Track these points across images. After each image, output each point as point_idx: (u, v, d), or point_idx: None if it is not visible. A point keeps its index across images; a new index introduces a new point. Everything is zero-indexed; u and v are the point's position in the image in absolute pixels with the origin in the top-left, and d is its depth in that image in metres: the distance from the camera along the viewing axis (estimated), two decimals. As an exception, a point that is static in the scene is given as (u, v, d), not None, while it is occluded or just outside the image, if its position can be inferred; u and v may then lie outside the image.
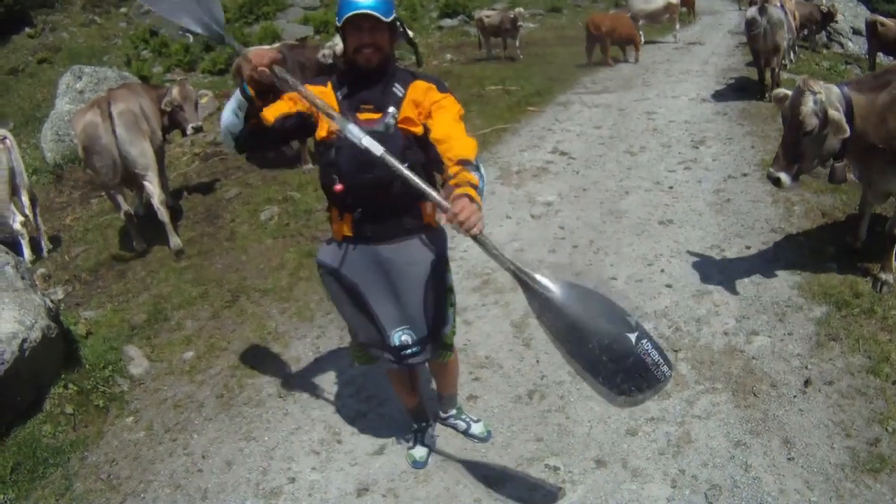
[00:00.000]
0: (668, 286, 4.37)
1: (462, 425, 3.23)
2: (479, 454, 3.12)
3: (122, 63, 16.52)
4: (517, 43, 13.80)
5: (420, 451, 3.10)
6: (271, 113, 2.41)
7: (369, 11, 2.29)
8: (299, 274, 5.03)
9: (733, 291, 4.21)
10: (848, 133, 3.52)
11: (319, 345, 4.14)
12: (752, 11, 8.61)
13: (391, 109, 2.39)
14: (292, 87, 2.29)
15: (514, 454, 3.10)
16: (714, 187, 5.92)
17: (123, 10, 22.51)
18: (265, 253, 5.51)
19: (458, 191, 2.07)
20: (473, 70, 12.56)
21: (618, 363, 2.12)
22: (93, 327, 4.53)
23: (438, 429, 3.27)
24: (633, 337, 2.11)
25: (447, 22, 19.16)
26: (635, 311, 4.09)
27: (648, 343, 2.13)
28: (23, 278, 3.92)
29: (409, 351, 2.65)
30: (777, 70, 8.73)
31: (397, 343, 2.62)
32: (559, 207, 5.83)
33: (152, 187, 5.56)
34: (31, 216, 6.08)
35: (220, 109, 11.02)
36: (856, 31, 14.49)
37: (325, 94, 2.42)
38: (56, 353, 3.84)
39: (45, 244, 6.23)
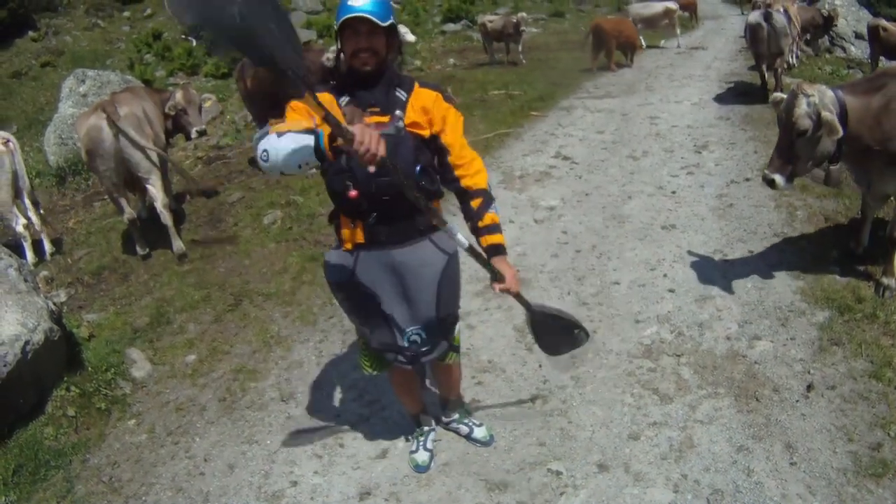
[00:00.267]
0: (671, 291, 4.37)
1: (465, 429, 3.23)
2: (481, 458, 3.12)
3: (126, 67, 16.55)
4: (520, 47, 13.84)
5: (422, 455, 3.10)
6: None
7: (366, 15, 2.28)
8: (302, 278, 5.04)
9: (736, 296, 4.21)
10: (841, 134, 3.58)
11: (322, 349, 4.14)
12: (757, 17, 8.62)
13: (398, 112, 2.41)
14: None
15: (516, 458, 3.09)
16: (717, 192, 5.92)
17: (126, 13, 22.60)
18: (268, 257, 5.52)
19: (492, 244, 2.58)
20: (476, 74, 12.58)
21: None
22: (95, 330, 4.54)
23: (441, 433, 3.27)
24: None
25: (450, 26, 19.20)
26: (637, 314, 4.13)
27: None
28: (25, 281, 3.93)
29: (422, 349, 2.66)
30: (780, 73, 8.75)
31: (409, 342, 2.62)
32: (562, 212, 5.83)
33: (155, 191, 5.57)
34: (35, 219, 6.10)
35: (223, 113, 11.09)
36: (858, 36, 14.45)
37: (329, 104, 2.39)
38: (58, 355, 3.85)
39: (48, 247, 6.25)
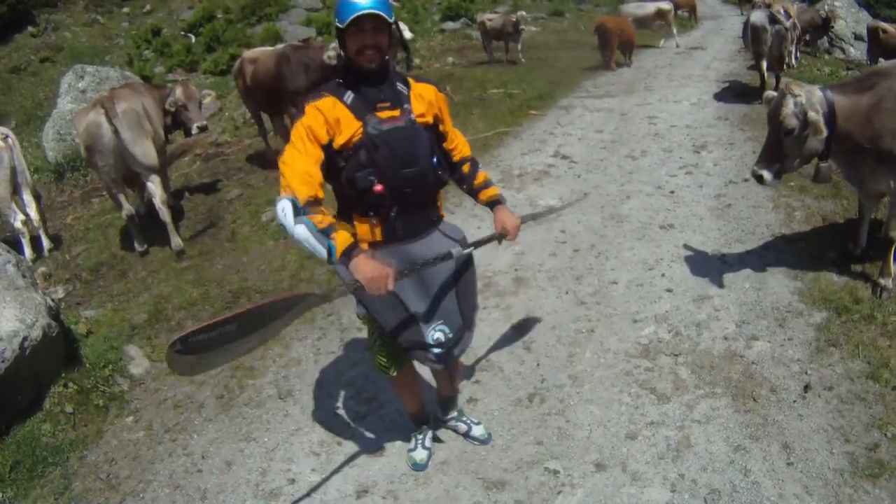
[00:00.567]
0: (669, 290, 4.38)
1: (463, 427, 3.23)
2: (479, 457, 3.12)
3: (125, 63, 16.53)
4: (519, 46, 13.82)
5: (420, 454, 3.10)
6: (316, 176, 2.34)
7: (376, 12, 2.31)
8: (300, 276, 5.04)
9: (734, 296, 4.22)
10: (825, 134, 3.70)
11: (320, 346, 4.14)
12: (761, 18, 8.59)
13: (406, 106, 2.48)
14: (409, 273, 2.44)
15: (514, 457, 3.10)
16: (715, 192, 5.92)
17: (126, 9, 22.55)
18: (266, 254, 5.52)
19: (491, 197, 2.86)
20: (475, 73, 12.57)
21: None
22: (93, 326, 4.53)
23: (439, 431, 3.27)
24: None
25: (449, 25, 19.15)
26: (635, 314, 4.14)
27: None
28: (24, 277, 3.92)
29: (447, 348, 2.65)
30: (779, 73, 8.76)
31: (433, 340, 2.61)
32: (560, 211, 5.82)
33: (154, 187, 5.57)
34: (34, 215, 6.09)
35: (221, 110, 11.06)
36: (857, 37, 14.47)
37: (334, 107, 2.39)
38: (56, 351, 3.85)
39: (46, 243, 6.24)
